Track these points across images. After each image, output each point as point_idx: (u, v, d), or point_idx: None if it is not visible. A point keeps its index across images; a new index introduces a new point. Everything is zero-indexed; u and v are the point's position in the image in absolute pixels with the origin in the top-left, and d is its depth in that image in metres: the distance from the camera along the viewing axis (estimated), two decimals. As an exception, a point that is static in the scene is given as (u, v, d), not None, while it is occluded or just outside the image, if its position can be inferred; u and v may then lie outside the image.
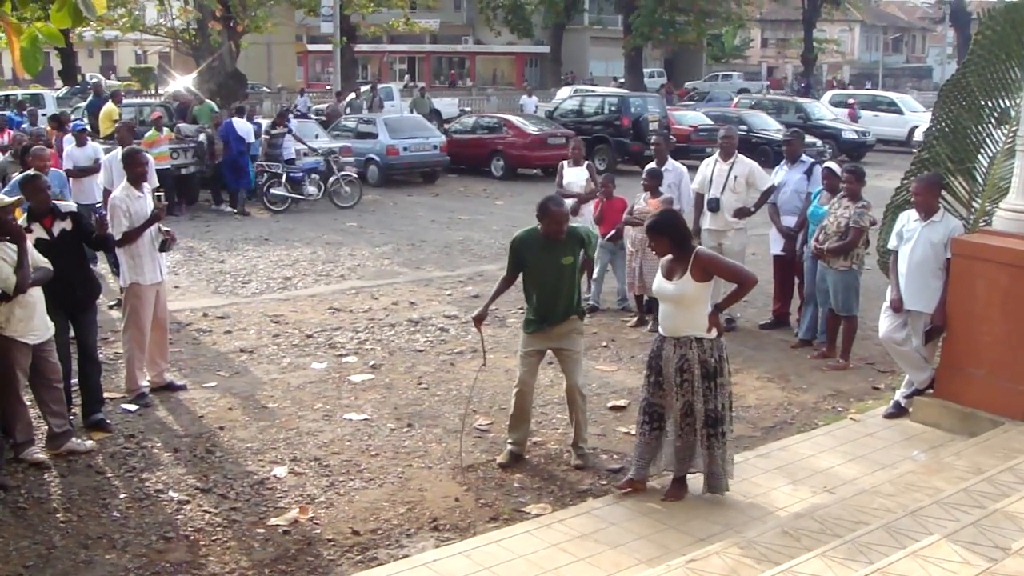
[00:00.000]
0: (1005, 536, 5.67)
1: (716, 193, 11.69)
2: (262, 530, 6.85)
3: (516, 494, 7.42)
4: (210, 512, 7.09)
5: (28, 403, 7.94)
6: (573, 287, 7.80)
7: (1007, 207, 8.30)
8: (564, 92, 44.24)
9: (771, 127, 30.90)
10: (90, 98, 28.47)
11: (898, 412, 8.87)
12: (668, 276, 6.93)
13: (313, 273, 15.28)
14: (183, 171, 21.48)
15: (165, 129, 21.12)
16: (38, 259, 7.76)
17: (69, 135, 16.54)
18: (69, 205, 9.03)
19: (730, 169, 11.69)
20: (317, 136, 24.90)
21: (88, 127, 17.30)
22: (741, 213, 11.67)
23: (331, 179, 22.33)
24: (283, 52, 69.28)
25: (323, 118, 30.37)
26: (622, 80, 58.36)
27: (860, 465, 7.78)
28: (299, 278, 14.91)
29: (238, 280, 14.70)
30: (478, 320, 7.91)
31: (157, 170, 16.74)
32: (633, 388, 9.68)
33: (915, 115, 36.19)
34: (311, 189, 22.02)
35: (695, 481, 7.18)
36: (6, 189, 9.87)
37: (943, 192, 8.89)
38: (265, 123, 24.03)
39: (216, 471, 7.79)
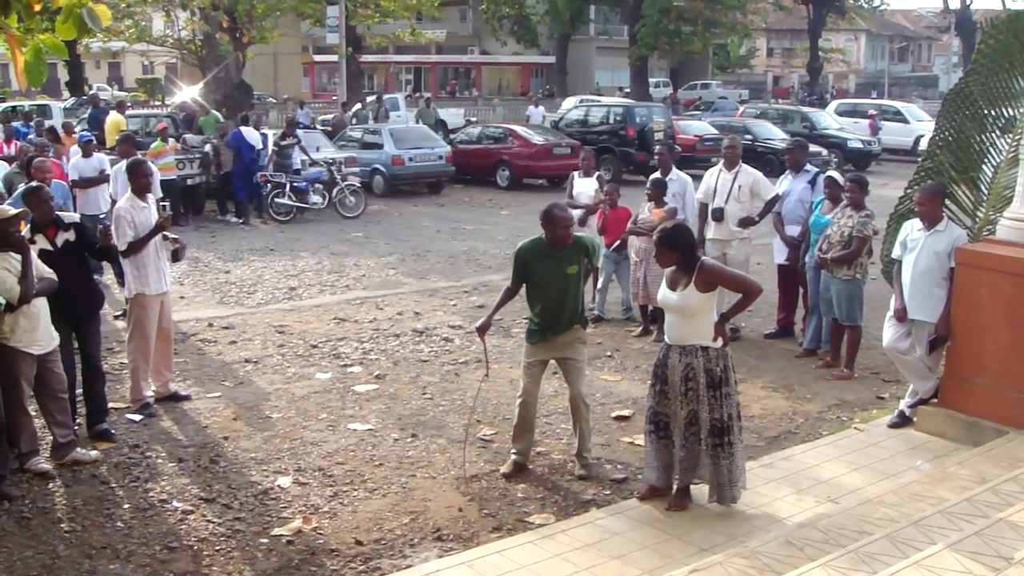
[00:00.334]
0: (1009, 546, 5.66)
1: (720, 203, 11.69)
2: (266, 540, 6.85)
3: (520, 504, 7.41)
4: (214, 522, 7.10)
5: (33, 413, 7.96)
6: (577, 297, 7.80)
7: (1011, 216, 8.29)
8: (570, 102, 44.28)
9: (776, 137, 30.90)
10: (89, 110, 28.58)
11: (902, 422, 8.86)
12: (672, 286, 6.93)
13: (318, 283, 15.29)
14: (189, 181, 21.54)
15: (171, 140, 21.17)
16: (43, 270, 7.79)
17: (75, 146, 16.59)
18: (72, 216, 9.07)
19: (734, 179, 11.69)
20: (319, 148, 24.91)
21: (93, 138, 17.30)
22: (745, 223, 11.67)
23: (335, 189, 22.36)
24: (289, 63, 69.47)
25: (328, 128, 30.42)
26: (627, 90, 58.46)
27: (864, 475, 7.77)
28: (304, 288, 14.93)
29: (243, 290, 14.72)
30: (482, 330, 7.91)
31: (163, 181, 16.90)
32: (638, 398, 9.68)
33: (921, 124, 36.21)
34: (315, 199, 22.07)
35: (699, 491, 7.18)
36: (10, 200, 9.90)
37: (947, 201, 8.89)
38: (271, 133, 24.03)
39: (220, 481, 7.80)
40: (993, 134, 9.32)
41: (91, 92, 38.77)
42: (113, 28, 35.08)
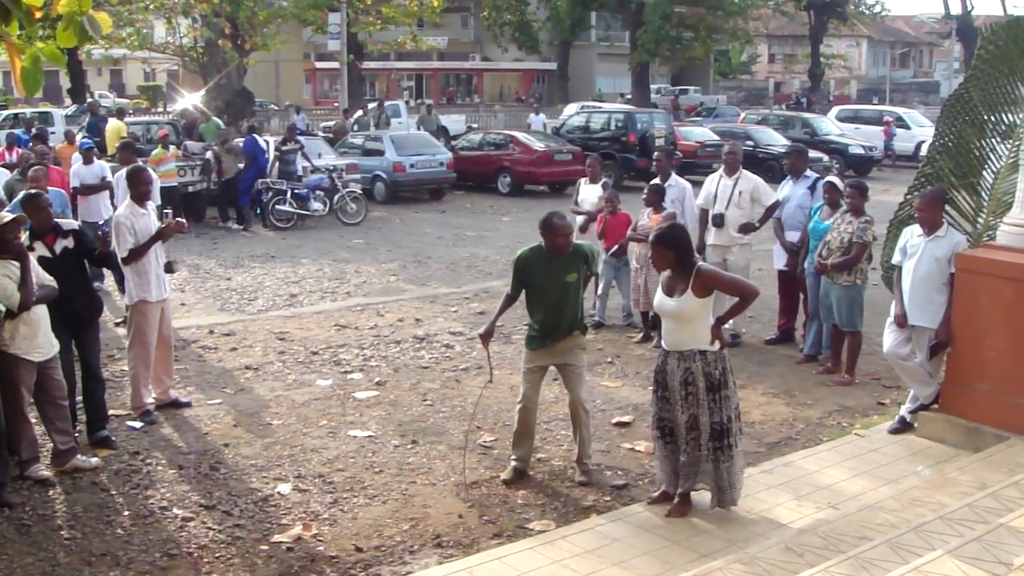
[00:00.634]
0: (1009, 551, 5.65)
1: (721, 208, 11.70)
2: (265, 547, 6.85)
3: (520, 511, 7.41)
4: (214, 529, 7.10)
5: (33, 420, 7.96)
6: (577, 304, 7.80)
7: (1011, 221, 8.29)
8: (571, 108, 44.30)
9: (777, 142, 30.91)
10: (88, 118, 28.61)
11: (903, 427, 8.85)
12: (669, 292, 6.93)
13: (319, 290, 15.30)
14: (190, 188, 21.58)
15: (172, 147, 21.20)
16: (43, 277, 7.79)
17: (76, 153, 16.61)
18: (71, 223, 9.07)
19: (735, 184, 11.70)
20: (320, 155, 24.93)
21: (94, 145, 17.32)
22: (746, 228, 11.68)
23: (337, 196, 22.38)
24: (291, 70, 69.58)
25: (330, 135, 30.44)
26: (628, 96, 58.52)
27: (864, 480, 7.76)
28: (305, 295, 14.94)
29: (244, 297, 14.73)
30: (485, 337, 7.90)
31: (164, 188, 16.93)
32: (638, 404, 9.69)
33: (922, 130, 36.15)
34: (317, 206, 22.08)
35: (699, 497, 7.18)
36: (8, 208, 9.91)
37: (947, 207, 8.89)
38: (271, 140, 24.06)
39: (220, 488, 7.80)
40: (993, 140, 9.32)
41: (90, 100, 38.83)
42: (115, 35, 35.06)
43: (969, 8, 69.96)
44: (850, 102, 65.39)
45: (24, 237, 8.01)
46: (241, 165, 22.12)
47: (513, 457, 8.00)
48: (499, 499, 7.61)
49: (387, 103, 39.31)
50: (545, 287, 7.70)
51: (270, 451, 8.56)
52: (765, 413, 9.62)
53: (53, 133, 26.79)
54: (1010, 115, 9.19)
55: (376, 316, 13.51)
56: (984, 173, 9.33)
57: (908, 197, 9.52)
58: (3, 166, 16.56)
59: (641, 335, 12.13)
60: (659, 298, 7.06)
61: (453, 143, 31.33)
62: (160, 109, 47.84)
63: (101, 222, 13.54)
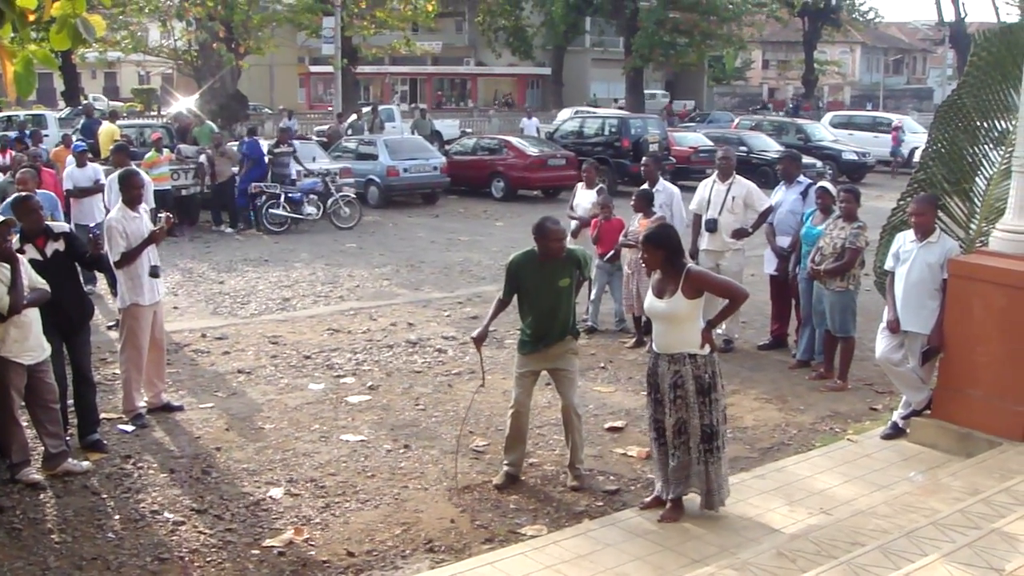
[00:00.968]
0: (1001, 557, 5.66)
1: (714, 214, 11.72)
2: (257, 551, 6.84)
3: (512, 515, 7.40)
4: (205, 533, 7.08)
5: (24, 424, 7.94)
6: (569, 309, 7.80)
7: (1004, 227, 8.30)
8: (565, 113, 44.32)
9: (771, 148, 30.94)
10: (83, 121, 28.58)
11: (896, 433, 8.85)
12: (659, 294, 6.95)
13: (312, 294, 15.28)
14: (183, 192, 21.57)
15: (165, 150, 21.18)
16: (35, 280, 7.77)
17: (70, 156, 16.59)
18: (62, 225, 9.05)
19: (728, 190, 11.72)
20: (315, 159, 24.93)
21: (88, 148, 17.28)
22: (739, 234, 11.70)
23: (330, 200, 22.38)
24: (285, 73, 69.51)
25: (324, 139, 30.44)
26: (621, 101, 58.58)
27: (857, 486, 7.76)
28: (298, 299, 14.92)
29: (237, 301, 14.71)
30: (478, 341, 7.88)
31: (158, 191, 16.90)
32: (631, 409, 9.69)
33: (915, 136, 36.20)
34: (310, 210, 22.07)
35: (690, 501, 7.17)
36: (-1, 210, 9.90)
37: (940, 213, 8.91)
38: (266, 144, 24.05)
39: (212, 492, 7.78)
40: (986, 146, 9.34)
41: (85, 102, 38.78)
42: (109, 38, 35.12)
43: (962, 15, 69.99)
44: (844, 108, 65.48)
45: (15, 240, 7.99)
46: (235, 169, 22.11)
47: (505, 462, 7.99)
48: (491, 504, 7.60)
49: (381, 107, 39.31)
50: (538, 292, 7.70)
51: (262, 455, 8.55)
52: (758, 418, 9.62)
53: (47, 136, 26.75)
54: (1003, 121, 9.20)
55: (369, 320, 13.50)
56: (977, 179, 9.34)
57: (901, 203, 9.52)
58: (-3, 169, 16.55)
59: (634, 340, 12.13)
60: (649, 300, 7.07)
61: (447, 148, 31.33)
62: (154, 112, 47.85)
63: (93, 225, 13.52)
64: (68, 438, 8.41)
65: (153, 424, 9.30)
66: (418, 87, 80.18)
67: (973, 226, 9.27)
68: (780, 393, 10.37)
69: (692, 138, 33.29)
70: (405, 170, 26.10)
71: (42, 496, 7.65)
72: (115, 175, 11.59)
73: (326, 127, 34.91)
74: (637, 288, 11.81)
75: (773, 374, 11.05)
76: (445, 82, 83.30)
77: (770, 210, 11.72)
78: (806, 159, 22.44)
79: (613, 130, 30.76)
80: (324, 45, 40.52)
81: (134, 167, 11.71)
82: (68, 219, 13.91)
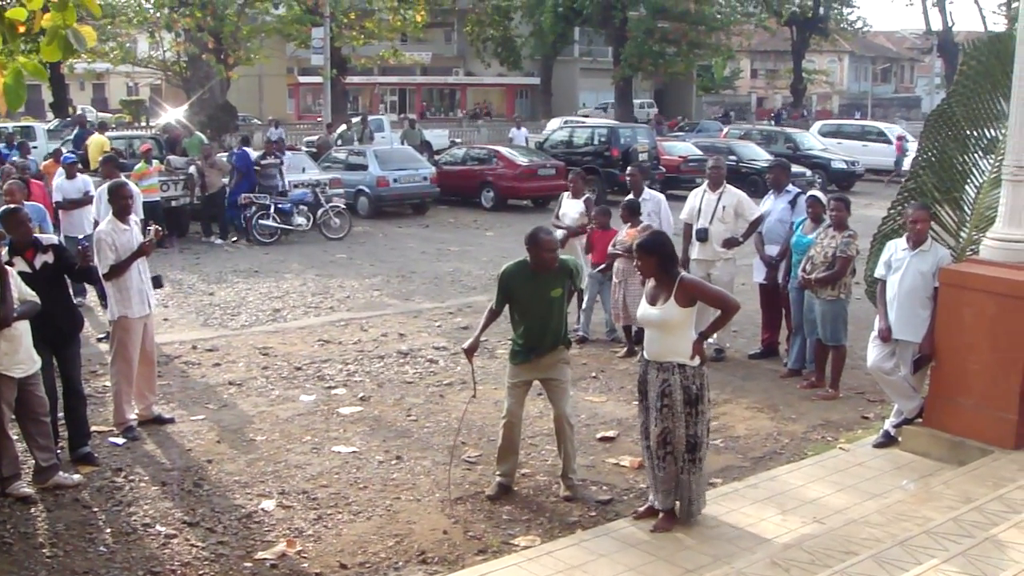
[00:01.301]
0: (994, 565, 5.67)
1: (704, 223, 11.73)
2: (249, 564, 6.81)
3: (505, 526, 7.39)
4: (197, 546, 7.05)
5: (15, 437, 7.91)
6: (561, 319, 7.80)
7: (994, 236, 8.32)
8: (554, 123, 44.38)
9: (760, 157, 30.99)
10: (76, 131, 28.54)
11: (887, 441, 8.86)
12: (652, 302, 6.96)
13: (302, 305, 15.26)
14: (173, 203, 21.54)
15: (155, 161, 21.15)
16: (26, 292, 7.74)
17: (59, 168, 16.55)
18: (51, 238, 9.02)
19: (718, 199, 11.73)
20: (304, 169, 24.92)
21: (78, 160, 17.26)
22: (730, 243, 11.71)
23: (320, 211, 22.36)
24: (274, 84, 69.58)
25: (314, 150, 30.42)
26: (601, 106, 58.76)
27: (849, 495, 7.76)
28: (288, 310, 14.89)
29: (227, 312, 14.67)
30: (470, 351, 7.88)
31: (147, 202, 16.88)
32: (623, 419, 9.69)
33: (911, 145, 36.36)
34: (300, 220, 22.05)
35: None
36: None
37: (931, 221, 8.93)
38: (254, 154, 24.03)
39: (203, 505, 7.76)
40: (976, 155, 9.37)
41: (78, 113, 38.74)
42: (98, 49, 35.07)
43: (950, 24, 70.47)
44: (832, 117, 65.69)
45: (3, 252, 7.96)
46: (225, 180, 22.11)
47: (498, 472, 7.98)
48: (484, 515, 7.59)
49: (370, 118, 39.31)
50: (530, 302, 7.69)
51: (254, 467, 8.52)
52: (750, 427, 9.62)
53: (35, 148, 26.70)
54: (992, 130, 9.24)
55: (360, 331, 13.48)
56: (967, 188, 9.37)
57: (891, 211, 9.54)
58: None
59: (625, 350, 12.12)
60: (642, 307, 7.07)
61: (436, 158, 31.33)
62: (143, 123, 47.77)
63: (82, 237, 13.49)
64: (59, 451, 8.37)
65: (144, 437, 9.27)
66: (407, 97, 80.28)
67: (963, 234, 9.30)
68: (772, 402, 10.37)
69: (681, 147, 33.34)
70: (395, 180, 26.10)
71: (33, 510, 7.61)
72: (104, 186, 11.58)
73: (316, 138, 34.89)
74: (624, 297, 11.82)
75: (765, 383, 11.06)
76: (434, 92, 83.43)
77: (761, 219, 11.74)
78: (795, 168, 22.48)
79: (602, 140, 30.78)
80: (313, 55, 40.50)
81: (123, 179, 11.69)
82: (58, 231, 13.89)
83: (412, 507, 7.71)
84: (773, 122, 59.79)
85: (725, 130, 41.76)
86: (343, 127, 34.90)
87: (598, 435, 9.32)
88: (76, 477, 8.15)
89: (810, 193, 11.46)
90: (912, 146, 36.20)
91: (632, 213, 12.07)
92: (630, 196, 12.62)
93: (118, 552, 6.95)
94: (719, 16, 58.55)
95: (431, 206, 27.56)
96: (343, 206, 23.07)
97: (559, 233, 12.80)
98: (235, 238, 21.72)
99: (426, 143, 36.36)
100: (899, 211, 9.38)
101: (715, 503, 7.48)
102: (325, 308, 15.09)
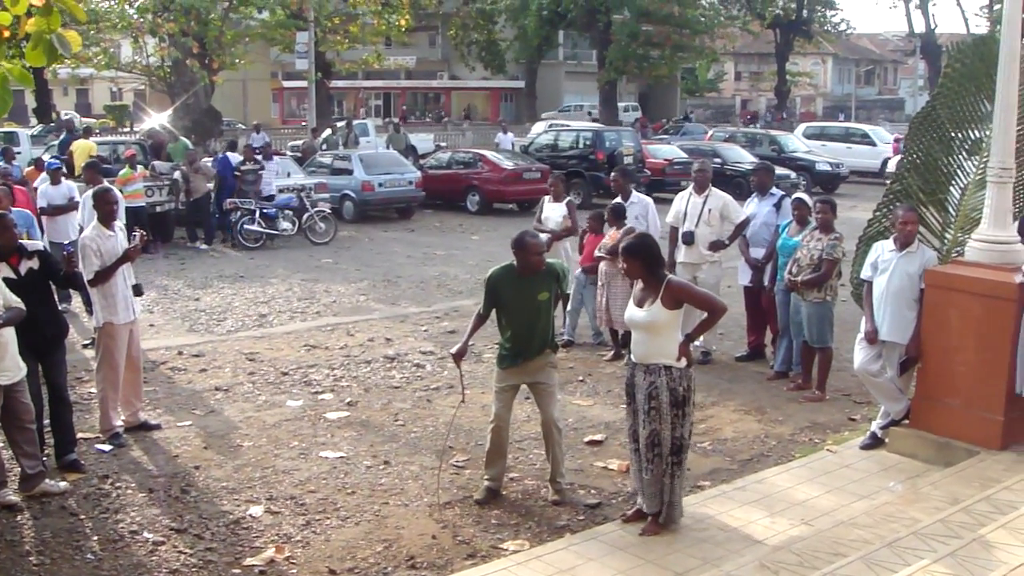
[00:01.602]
0: (982, 566, 5.68)
1: (690, 226, 11.74)
2: (238, 571, 6.79)
3: (493, 531, 7.38)
4: (185, 553, 7.03)
5: (0, 444, 7.87)
6: (548, 322, 7.80)
7: (979, 237, 8.35)
8: (539, 127, 44.41)
9: (745, 160, 31.04)
10: (63, 135, 28.44)
11: (874, 443, 8.88)
12: (639, 304, 6.96)
13: (288, 310, 15.23)
14: (158, 208, 21.47)
15: (139, 167, 21.08)
16: (10, 299, 7.69)
17: (43, 174, 16.49)
18: (36, 244, 8.98)
19: (704, 202, 11.74)
20: (289, 174, 24.87)
21: (62, 165, 17.18)
22: (716, 246, 11.72)
23: (305, 215, 22.32)
24: (259, 88, 69.47)
25: (298, 154, 30.37)
26: (588, 109, 58.87)
27: (837, 496, 7.77)
28: (274, 315, 14.86)
29: (213, 318, 14.63)
30: (458, 356, 7.86)
31: (132, 208, 16.84)
32: (610, 422, 9.69)
33: (888, 147, 36.45)
34: (285, 225, 22.00)
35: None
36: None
37: (915, 223, 8.96)
38: (235, 160, 23.95)
39: (191, 511, 7.73)
40: (960, 156, 9.40)
41: (66, 117, 38.60)
42: (82, 55, 34.91)
43: (933, 26, 70.65)
44: (816, 119, 65.85)
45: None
46: (210, 185, 22.06)
47: (486, 477, 7.97)
48: (472, 519, 7.58)
49: (355, 122, 39.27)
50: (516, 306, 7.69)
51: (241, 473, 8.50)
52: (737, 430, 9.63)
53: (19, 153, 26.59)
54: (977, 132, 9.27)
55: (346, 336, 13.46)
56: (952, 189, 9.40)
57: (877, 213, 9.57)
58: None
59: (612, 353, 12.12)
60: (630, 310, 7.08)
61: (421, 162, 31.30)
62: (127, 129, 47.66)
63: (67, 243, 13.44)
64: (45, 458, 8.33)
65: (131, 443, 9.23)
66: (392, 101, 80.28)
67: (948, 236, 9.33)
68: (759, 404, 10.38)
69: (666, 150, 33.37)
70: (380, 185, 26.07)
71: (19, 517, 7.58)
72: (89, 192, 11.54)
73: (300, 142, 34.82)
74: (607, 300, 11.83)
75: (751, 385, 11.07)
76: (419, 96, 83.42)
77: (747, 222, 11.75)
78: (780, 170, 22.53)
79: (587, 143, 30.80)
80: (298, 60, 40.51)
81: (107, 184, 11.65)
82: (42, 237, 13.82)
83: (400, 512, 7.70)
84: (750, 125, 60.02)
85: (709, 133, 41.77)
86: (328, 131, 34.85)
87: (586, 439, 9.32)
88: (62, 484, 8.11)
89: (795, 195, 11.49)
90: (868, 149, 36.53)
91: (617, 217, 12.07)
92: (617, 199, 12.61)
93: (105, 559, 6.93)
94: (703, 19, 58.71)
95: (416, 210, 27.53)
96: (328, 211, 23.01)
97: (544, 237, 12.82)
98: (221, 238, 21.69)
99: (411, 147, 36.34)
100: (884, 213, 9.41)
101: (703, 506, 7.50)
102: (311, 313, 15.07)
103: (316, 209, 22.57)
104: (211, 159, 23.96)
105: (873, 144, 37.91)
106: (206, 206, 22.04)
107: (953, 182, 9.40)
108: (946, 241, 9.31)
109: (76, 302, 14.27)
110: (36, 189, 15.64)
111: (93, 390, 9.98)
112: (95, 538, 7.26)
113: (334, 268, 19.07)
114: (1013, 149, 8.13)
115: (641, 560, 6.68)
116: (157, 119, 34.77)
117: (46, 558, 6.94)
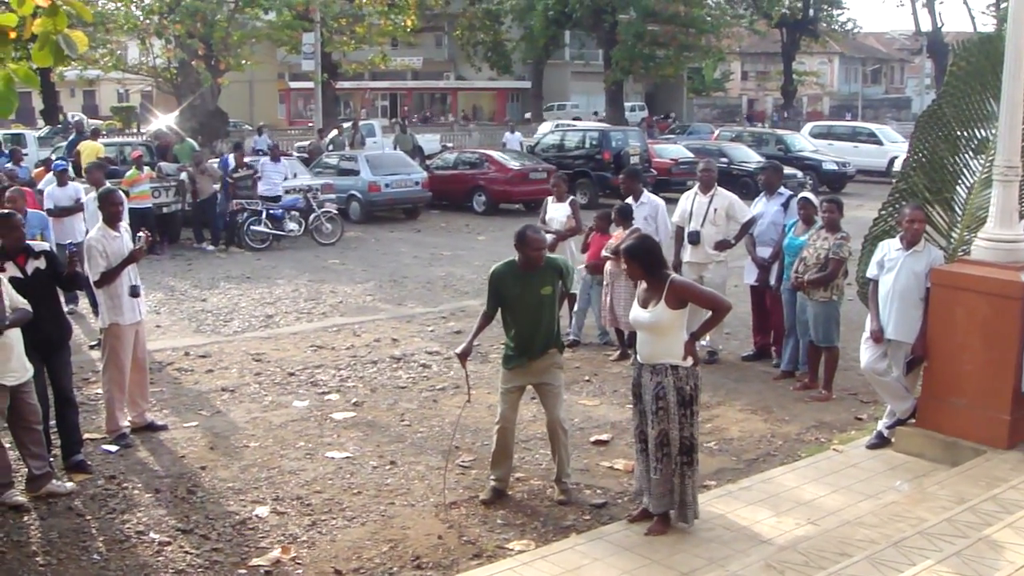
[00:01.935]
0: (989, 565, 5.67)
1: (696, 226, 11.73)
2: (244, 571, 6.80)
3: (499, 531, 7.38)
4: (191, 553, 7.04)
5: (7, 445, 7.88)
6: (552, 320, 7.79)
7: (985, 236, 8.33)
8: (545, 127, 44.39)
9: (751, 159, 31.01)
10: (72, 136, 28.48)
11: (881, 442, 8.86)
12: (644, 305, 6.96)
13: (295, 311, 15.24)
14: (164, 210, 21.50)
15: (146, 168, 21.11)
16: (17, 300, 7.70)
17: (50, 175, 16.52)
18: (42, 244, 8.99)
19: (710, 202, 11.74)
20: (296, 174, 24.89)
21: (69, 167, 17.22)
22: (722, 246, 11.72)
23: (312, 216, 22.33)
24: (265, 89, 69.53)
25: (305, 155, 30.39)
26: (595, 111, 58.80)
27: (844, 496, 7.76)
28: (281, 316, 14.87)
29: (220, 319, 14.65)
30: (463, 356, 7.86)
31: (139, 209, 16.86)
32: (616, 422, 9.68)
33: (895, 146, 36.36)
34: (292, 226, 22.02)
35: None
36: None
37: (921, 222, 8.94)
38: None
39: (197, 512, 7.74)
40: (966, 155, 9.38)
41: (76, 119, 38.62)
42: (88, 56, 35.02)
43: (939, 25, 70.57)
44: (823, 118, 65.74)
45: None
46: (216, 186, 22.08)
47: (492, 477, 7.98)
48: (478, 519, 7.58)
49: (362, 122, 39.31)
50: (520, 301, 7.68)
51: (247, 473, 8.50)
52: (743, 430, 9.62)
53: (26, 155, 26.62)
54: (983, 130, 9.25)
55: (352, 336, 13.47)
56: (958, 188, 9.38)
57: (883, 212, 9.55)
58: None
59: (618, 353, 12.12)
60: (634, 310, 7.08)
61: (428, 162, 31.31)
62: (134, 130, 47.70)
63: (71, 243, 13.45)
64: (51, 459, 8.35)
65: (137, 444, 9.25)
66: (398, 102, 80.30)
67: (954, 235, 9.31)
68: (765, 404, 10.37)
69: (672, 150, 33.35)
70: (387, 185, 26.10)
71: (26, 518, 7.59)
72: (93, 194, 11.57)
73: (307, 143, 34.84)
74: (611, 300, 11.82)
75: (758, 385, 11.06)
76: (425, 96, 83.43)
77: (752, 221, 11.74)
78: (787, 170, 22.49)
79: (594, 143, 30.79)
80: (304, 61, 40.54)
81: (111, 185, 11.66)
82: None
83: (406, 512, 7.70)
84: (756, 124, 59.94)
85: (716, 132, 41.72)
86: (334, 132, 34.87)
87: (592, 439, 9.32)
88: (69, 485, 8.12)
89: (802, 195, 11.46)
90: (874, 148, 36.44)
91: (624, 217, 12.06)
92: (628, 200, 12.58)
93: (112, 560, 6.93)
94: (709, 19, 58.61)
95: (423, 211, 27.56)
96: (335, 211, 23.04)
97: (548, 237, 12.83)
98: (224, 241, 21.73)
99: (418, 148, 36.35)
100: (891, 212, 9.40)
101: (709, 505, 7.48)
102: (318, 314, 15.08)
103: (323, 210, 22.60)
104: (217, 160, 23.95)
105: (880, 143, 37.84)
106: (212, 207, 22.06)
107: (959, 181, 9.38)
108: (952, 240, 9.29)
109: (83, 303, 14.30)
110: (42, 192, 15.68)
111: (99, 391, 9.99)
112: (101, 538, 7.27)
113: (340, 269, 19.09)
114: (1019, 147, 8.10)
115: (647, 560, 6.67)
116: (164, 120, 34.80)
117: (53, 558, 6.95)
